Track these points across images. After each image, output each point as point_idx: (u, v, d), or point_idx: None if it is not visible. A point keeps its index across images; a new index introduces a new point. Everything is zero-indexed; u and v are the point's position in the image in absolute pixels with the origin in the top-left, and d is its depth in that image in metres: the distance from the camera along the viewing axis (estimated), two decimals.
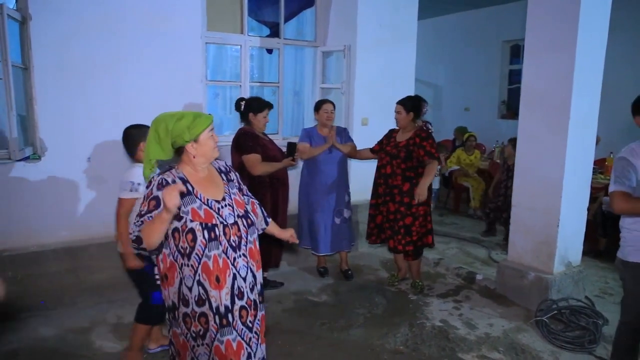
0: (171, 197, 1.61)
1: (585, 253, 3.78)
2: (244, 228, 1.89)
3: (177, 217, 1.76)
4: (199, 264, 1.78)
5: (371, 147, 3.97)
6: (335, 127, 4.00)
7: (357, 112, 4.79)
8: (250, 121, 3.52)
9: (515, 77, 8.29)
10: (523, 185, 3.61)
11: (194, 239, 1.77)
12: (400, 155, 3.62)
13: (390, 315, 3.46)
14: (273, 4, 4.81)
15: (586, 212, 3.68)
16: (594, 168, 3.73)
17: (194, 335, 1.84)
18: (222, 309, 1.80)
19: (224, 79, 5.10)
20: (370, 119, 4.81)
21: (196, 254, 1.77)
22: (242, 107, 3.54)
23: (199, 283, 1.79)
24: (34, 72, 3.39)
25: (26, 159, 3.40)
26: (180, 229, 1.77)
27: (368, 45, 4.77)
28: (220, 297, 1.80)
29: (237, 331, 1.85)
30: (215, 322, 1.80)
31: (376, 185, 3.82)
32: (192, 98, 4.05)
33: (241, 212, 1.91)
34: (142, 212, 1.75)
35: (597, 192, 4.46)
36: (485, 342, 3.09)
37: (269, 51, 5.06)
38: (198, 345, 1.85)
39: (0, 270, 3.28)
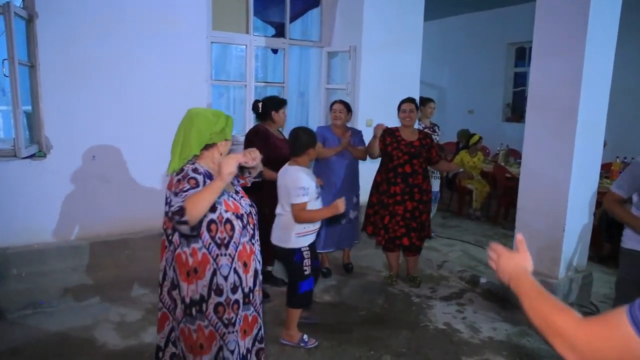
0: (229, 165, 1.65)
1: (589, 258, 3.76)
2: (255, 216, 2.05)
3: (212, 209, 1.80)
4: (235, 252, 1.90)
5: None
6: (351, 128, 3.99)
7: (362, 113, 4.79)
8: (272, 119, 3.56)
9: (520, 80, 8.26)
10: (529, 188, 3.59)
11: (232, 228, 1.88)
12: (422, 155, 3.72)
13: (392, 317, 3.45)
14: (278, 4, 4.82)
15: (592, 216, 3.66)
16: (599, 172, 3.70)
17: (226, 322, 1.92)
18: (247, 291, 1.98)
19: (228, 79, 5.10)
20: (375, 120, 4.78)
21: (234, 242, 1.89)
22: (260, 108, 3.57)
23: (235, 271, 1.91)
24: (40, 70, 3.39)
25: (31, 156, 3.41)
26: (217, 220, 1.84)
27: (373, 46, 4.76)
28: (247, 280, 1.97)
29: (254, 307, 2.04)
30: (242, 303, 1.96)
31: (389, 184, 3.76)
32: (197, 97, 4.05)
33: (249, 202, 2.04)
34: (185, 189, 1.74)
35: (603, 197, 4.42)
36: (489, 345, 3.08)
37: (274, 51, 5.06)
38: (229, 333, 1.93)
39: (5, 268, 3.30)
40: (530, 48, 3.63)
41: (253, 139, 3.48)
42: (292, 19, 4.91)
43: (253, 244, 1.99)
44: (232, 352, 1.94)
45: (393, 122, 4.09)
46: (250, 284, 1.98)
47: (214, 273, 1.87)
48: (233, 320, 1.93)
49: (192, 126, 1.86)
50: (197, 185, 1.76)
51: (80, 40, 3.50)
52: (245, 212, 1.95)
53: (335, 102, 4.01)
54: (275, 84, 5.02)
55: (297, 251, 2.81)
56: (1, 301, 3.20)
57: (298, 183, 2.66)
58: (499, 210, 6.03)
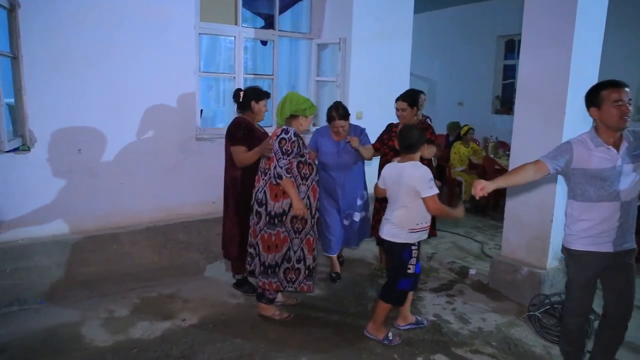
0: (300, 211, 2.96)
1: None
2: (316, 168, 3.11)
3: (301, 155, 2.94)
4: (310, 184, 3.01)
5: (373, 144, 3.82)
6: (353, 126, 3.75)
7: (352, 106, 4.74)
8: (252, 109, 3.39)
9: (509, 72, 8.30)
10: None
11: (312, 169, 3.02)
12: None
13: None
14: None
15: None
16: None
17: (295, 230, 3.00)
18: (313, 212, 3.05)
19: (217, 71, 5.04)
20: (365, 113, 4.79)
21: (311, 177, 3.01)
22: (241, 96, 3.41)
23: (308, 197, 3.00)
24: (23, 61, 3.31)
25: (15, 150, 3.34)
26: (304, 162, 2.97)
27: (363, 38, 4.74)
28: (313, 205, 3.04)
29: (312, 230, 3.10)
30: (311, 222, 3.03)
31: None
32: (185, 90, 4.01)
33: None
34: (289, 152, 2.87)
35: None
36: (478, 336, 3.10)
37: (264, 43, 5.01)
38: (296, 238, 3.02)
39: None
40: (520, 40, 3.64)
41: (232, 130, 3.32)
42: (282, 11, 4.86)
43: (317, 186, 3.05)
44: (295, 252, 3.03)
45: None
46: (314, 209, 3.05)
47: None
48: (300, 229, 3.00)
49: (287, 101, 2.95)
50: (292, 150, 2.87)
51: (64, 31, 3.43)
52: (314, 164, 3.06)
53: (334, 118, 3.55)
54: (264, 76, 4.97)
55: (407, 248, 2.87)
56: None
57: (428, 175, 2.79)
58: (488, 202, 6.07)
